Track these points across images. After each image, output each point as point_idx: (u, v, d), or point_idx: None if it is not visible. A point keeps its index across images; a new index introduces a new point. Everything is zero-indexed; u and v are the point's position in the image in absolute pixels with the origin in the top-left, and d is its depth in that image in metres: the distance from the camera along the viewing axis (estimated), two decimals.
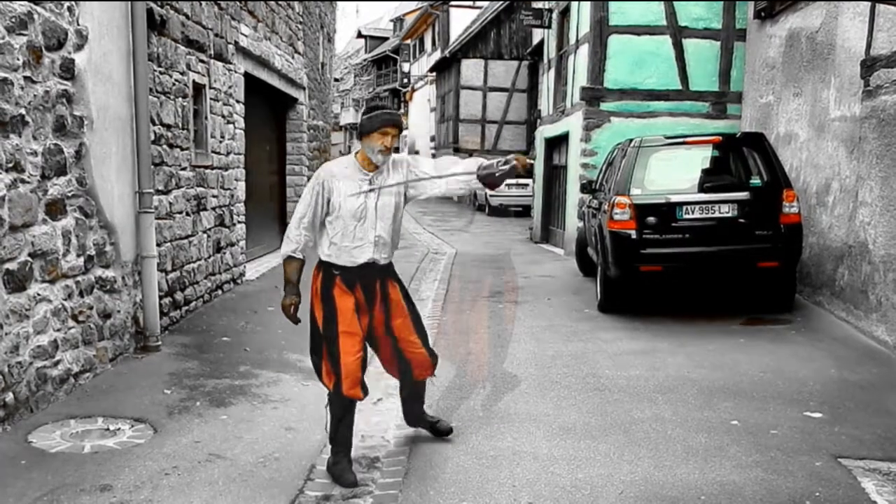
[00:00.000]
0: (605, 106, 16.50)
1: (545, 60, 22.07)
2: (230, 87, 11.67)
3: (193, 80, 10.04)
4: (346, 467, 5.36)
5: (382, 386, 7.63)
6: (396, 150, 5.54)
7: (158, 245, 8.77)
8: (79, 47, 6.97)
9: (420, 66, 48.31)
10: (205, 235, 10.60)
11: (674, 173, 10.80)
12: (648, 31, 16.28)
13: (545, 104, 21.73)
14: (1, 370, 5.85)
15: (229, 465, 5.51)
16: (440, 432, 6.11)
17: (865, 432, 6.21)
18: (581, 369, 8.16)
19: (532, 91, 31.95)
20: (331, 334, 5.38)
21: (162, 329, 8.78)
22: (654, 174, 10.66)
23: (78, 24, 6.96)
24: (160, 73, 8.93)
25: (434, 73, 41.96)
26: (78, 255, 7.00)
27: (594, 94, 16.47)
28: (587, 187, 13.64)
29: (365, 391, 5.42)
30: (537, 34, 27.06)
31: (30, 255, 6.21)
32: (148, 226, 8.32)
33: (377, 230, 5.40)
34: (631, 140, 11.39)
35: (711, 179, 10.52)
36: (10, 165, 5.94)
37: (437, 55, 40.90)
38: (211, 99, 10.79)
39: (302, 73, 17.10)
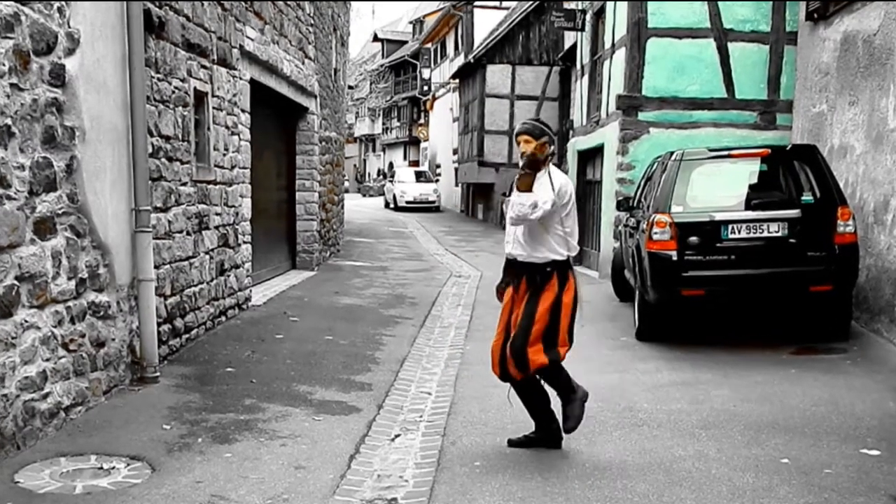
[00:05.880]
0: (643, 116, 16.49)
1: (578, 66, 22.10)
2: (235, 95, 11.74)
3: (195, 88, 10.08)
4: None
5: (400, 421, 7.65)
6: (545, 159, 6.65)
7: (157, 267, 8.78)
8: (70, 52, 6.98)
9: (441, 73, 48.44)
10: (207, 257, 10.64)
11: (718, 189, 10.79)
12: (690, 33, 16.25)
13: (578, 114, 21.74)
14: None
15: None
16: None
17: None
18: (617, 403, 8.15)
19: (564, 100, 31.92)
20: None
21: (160, 359, 8.78)
22: (697, 190, 10.66)
23: (69, 27, 6.96)
24: (158, 79, 8.97)
25: (457, 80, 41.94)
26: (69, 279, 7.01)
27: (631, 103, 16.48)
28: (624, 204, 13.64)
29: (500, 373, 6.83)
30: (569, 37, 27.12)
31: (16, 278, 6.22)
32: (145, 246, 8.33)
33: (515, 229, 6.66)
34: (671, 153, 11.39)
35: (759, 196, 10.50)
36: None
37: (461, 60, 40.93)
38: (214, 108, 10.83)
39: (313, 80, 17.19)
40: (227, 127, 11.41)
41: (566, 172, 22.41)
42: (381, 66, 74.30)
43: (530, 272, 6.62)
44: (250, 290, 12.83)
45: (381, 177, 68.62)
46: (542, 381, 6.73)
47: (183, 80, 9.69)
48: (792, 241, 10.17)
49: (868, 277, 11.00)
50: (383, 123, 75.87)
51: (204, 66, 10.38)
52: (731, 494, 5.79)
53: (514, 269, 6.79)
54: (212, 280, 10.83)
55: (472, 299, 14.84)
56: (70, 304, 7.04)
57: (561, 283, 6.55)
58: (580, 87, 21.52)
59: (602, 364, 9.82)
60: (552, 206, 6.41)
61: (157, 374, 8.46)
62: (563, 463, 6.45)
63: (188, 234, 9.96)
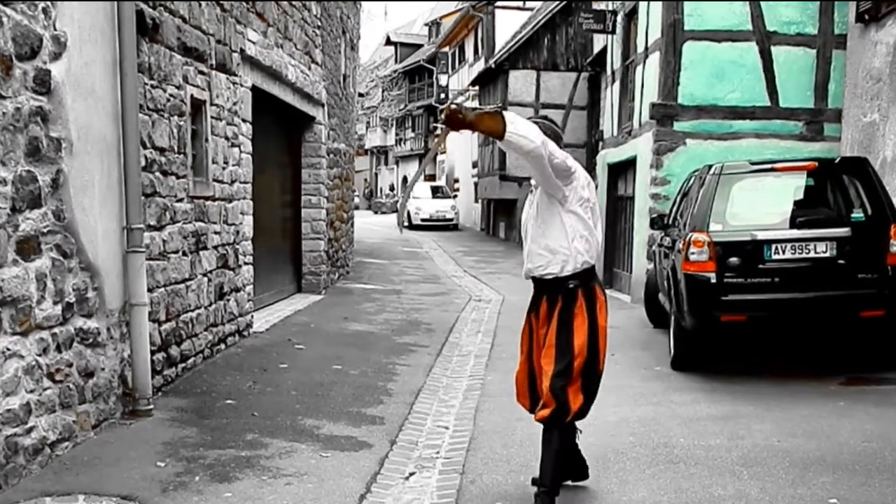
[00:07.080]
0: (679, 126, 16.46)
1: (608, 72, 22.12)
2: (235, 104, 11.78)
3: (191, 95, 10.11)
4: None
5: (415, 457, 7.64)
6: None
7: (150, 290, 8.80)
8: (56, 56, 6.98)
9: (460, 79, 48.49)
10: (205, 279, 10.66)
11: (761, 206, 10.78)
12: (730, 36, 16.22)
13: (608, 124, 21.74)
14: None
15: None
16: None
17: None
18: (651, 438, 8.12)
19: (593, 108, 31.91)
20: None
21: (154, 390, 8.77)
22: (738, 207, 10.64)
23: (55, 29, 6.96)
24: (152, 86, 8.99)
25: (477, 87, 42.03)
26: (55, 303, 7.01)
27: (666, 112, 16.46)
28: (658, 222, 13.62)
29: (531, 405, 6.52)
30: (599, 41, 27.08)
31: None
32: (138, 268, 8.34)
33: (529, 240, 6.35)
34: (710, 166, 11.38)
35: (805, 213, 10.48)
36: None
37: (481, 65, 41.01)
38: (212, 117, 10.86)
39: (320, 87, 17.25)
40: (226, 138, 11.44)
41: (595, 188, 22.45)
42: (395, 71, 74.38)
43: (551, 290, 6.22)
44: (252, 316, 12.86)
45: (394, 192, 68.63)
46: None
47: (179, 87, 9.71)
48: (841, 262, 10.13)
49: None
50: (396, 134, 75.85)
51: (202, 72, 10.40)
52: None
53: (534, 289, 6.44)
54: (210, 304, 10.85)
55: (494, 325, 14.83)
56: (56, 330, 7.04)
57: (590, 303, 6.17)
58: (610, 95, 21.53)
59: (634, 395, 9.80)
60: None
61: (151, 406, 8.45)
62: None
63: (184, 254, 9.97)
